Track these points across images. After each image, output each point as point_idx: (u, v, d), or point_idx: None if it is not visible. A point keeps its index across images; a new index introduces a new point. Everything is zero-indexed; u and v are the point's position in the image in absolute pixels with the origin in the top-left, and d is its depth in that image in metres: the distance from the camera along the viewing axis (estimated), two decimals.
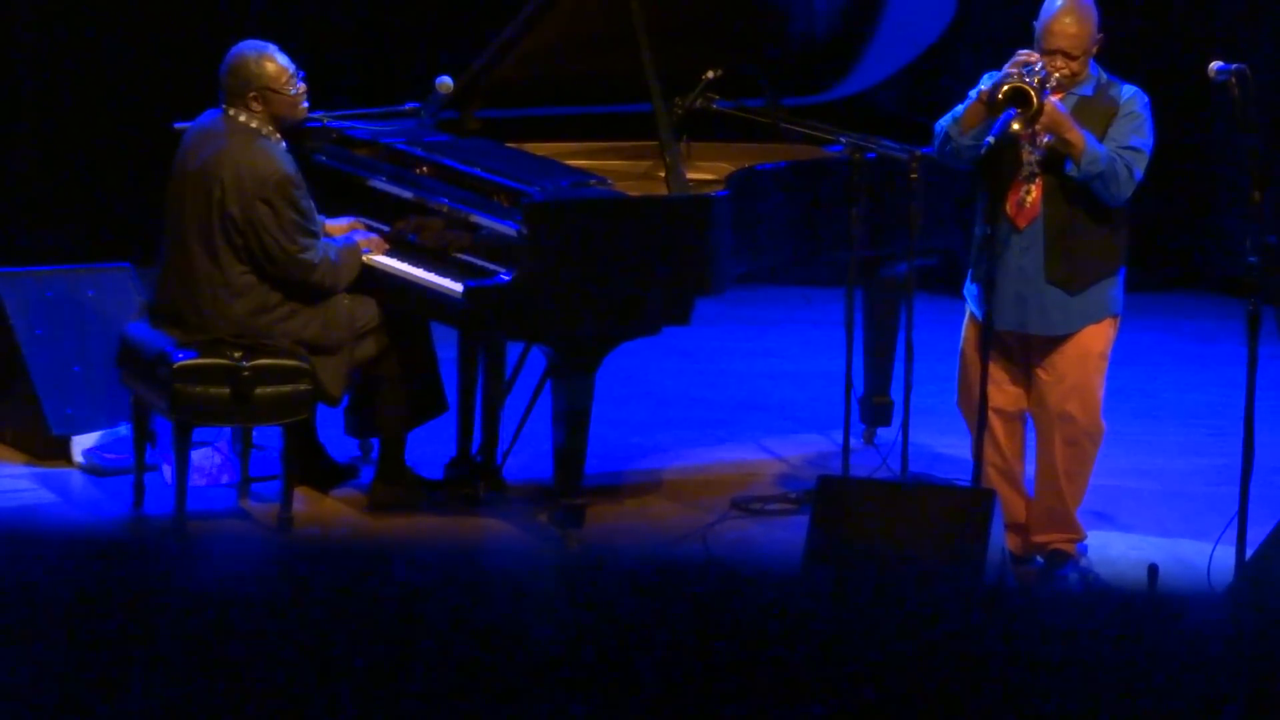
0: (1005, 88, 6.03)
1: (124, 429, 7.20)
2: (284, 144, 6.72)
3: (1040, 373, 6.41)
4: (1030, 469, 6.58)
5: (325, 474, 7.17)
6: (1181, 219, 10.82)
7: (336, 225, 6.93)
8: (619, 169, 7.20)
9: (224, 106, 6.70)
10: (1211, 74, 6.09)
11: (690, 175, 6.93)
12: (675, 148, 6.87)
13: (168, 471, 6.85)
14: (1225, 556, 6.14)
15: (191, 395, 6.52)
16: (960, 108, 6.26)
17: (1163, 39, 10.46)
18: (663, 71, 6.77)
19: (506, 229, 6.58)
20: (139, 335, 6.77)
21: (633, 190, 6.89)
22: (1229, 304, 9.75)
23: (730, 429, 8.07)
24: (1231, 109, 6.07)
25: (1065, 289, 6.30)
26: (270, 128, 6.68)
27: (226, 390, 6.53)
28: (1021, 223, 6.29)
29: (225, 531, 6.80)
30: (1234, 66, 6.04)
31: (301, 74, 6.74)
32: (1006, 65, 6.13)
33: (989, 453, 6.43)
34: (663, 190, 6.76)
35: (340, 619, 2.05)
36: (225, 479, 7.13)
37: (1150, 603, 2.11)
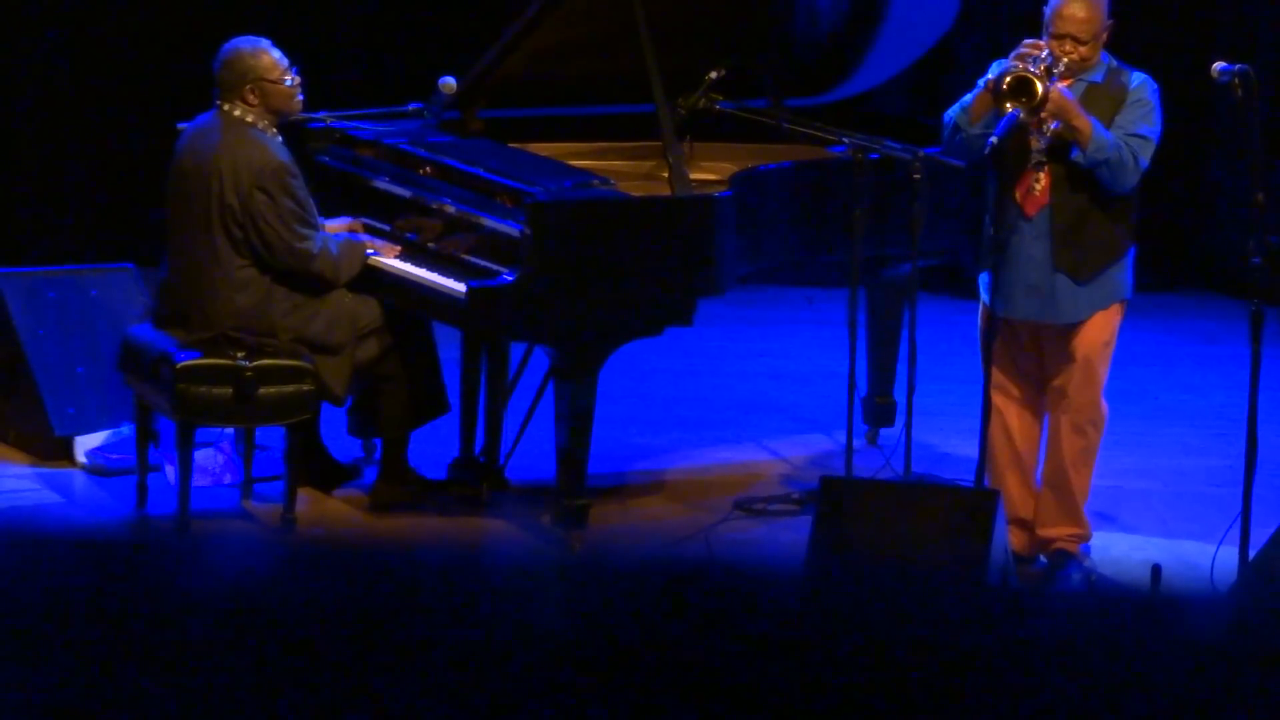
0: (1009, 78, 6.05)
1: (127, 429, 7.20)
2: (280, 138, 6.73)
3: (1048, 359, 6.43)
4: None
5: (328, 474, 7.17)
6: (1185, 220, 10.82)
7: (335, 225, 6.94)
8: (622, 169, 7.20)
9: (218, 102, 6.72)
10: (1215, 74, 6.09)
11: (693, 176, 6.93)
12: (678, 148, 6.87)
13: (171, 472, 6.85)
14: (1228, 557, 6.14)
15: (195, 396, 6.52)
16: (969, 97, 6.27)
17: (1165, 39, 10.46)
18: (666, 72, 6.77)
19: (509, 229, 6.59)
20: (142, 336, 6.78)
21: (636, 191, 6.89)
22: (1232, 305, 9.75)
23: (733, 429, 8.07)
24: (1235, 110, 6.07)
25: (1074, 277, 6.31)
26: (266, 121, 6.70)
27: (230, 391, 6.54)
28: (1030, 210, 6.30)
29: (228, 532, 6.80)
30: (1237, 67, 6.04)
31: (295, 68, 6.76)
32: (1011, 54, 6.14)
33: (1000, 443, 6.44)
34: (666, 191, 6.76)
35: (343, 619, 2.05)
36: (228, 479, 7.13)
37: (1153, 603, 2.11)
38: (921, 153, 6.73)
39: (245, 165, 6.59)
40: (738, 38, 7.33)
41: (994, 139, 6.06)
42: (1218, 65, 6.10)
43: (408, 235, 6.93)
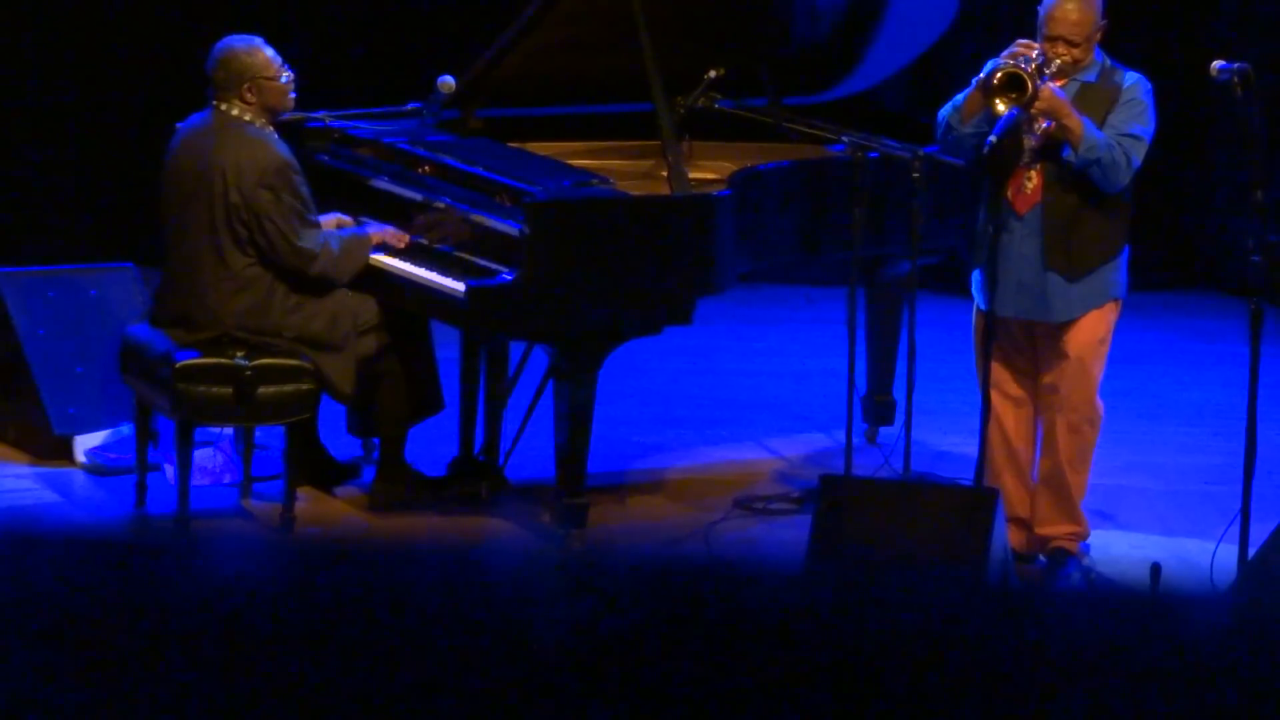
0: (999, 73, 6.05)
1: (126, 429, 7.20)
2: (276, 134, 6.74)
3: (1040, 357, 6.43)
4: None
5: (327, 473, 7.17)
6: (1185, 217, 10.82)
7: (326, 221, 6.93)
8: (621, 168, 7.20)
9: (214, 101, 6.72)
10: (1214, 73, 6.09)
11: (692, 175, 6.93)
12: (677, 147, 6.87)
13: (170, 471, 6.85)
14: (1228, 555, 6.14)
15: (194, 395, 6.52)
16: (961, 96, 6.27)
17: (1164, 38, 10.46)
18: (665, 71, 6.77)
19: (508, 228, 6.58)
20: (141, 336, 6.77)
21: (635, 190, 6.89)
22: (1232, 303, 9.75)
23: (732, 428, 8.07)
24: (1234, 108, 6.07)
25: (1065, 275, 6.31)
26: (262, 120, 6.70)
27: (229, 390, 6.53)
28: (1021, 208, 6.30)
29: (228, 531, 6.80)
30: (1236, 65, 6.05)
31: (287, 65, 6.77)
32: (1004, 53, 6.15)
33: (996, 441, 6.44)
34: (665, 190, 6.76)
35: (342, 618, 2.05)
36: (227, 478, 7.13)
37: (1152, 602, 2.11)
38: (921, 151, 6.73)
39: (249, 164, 6.59)
40: (737, 36, 7.33)
41: (994, 138, 6.06)
42: (1217, 64, 6.10)
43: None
